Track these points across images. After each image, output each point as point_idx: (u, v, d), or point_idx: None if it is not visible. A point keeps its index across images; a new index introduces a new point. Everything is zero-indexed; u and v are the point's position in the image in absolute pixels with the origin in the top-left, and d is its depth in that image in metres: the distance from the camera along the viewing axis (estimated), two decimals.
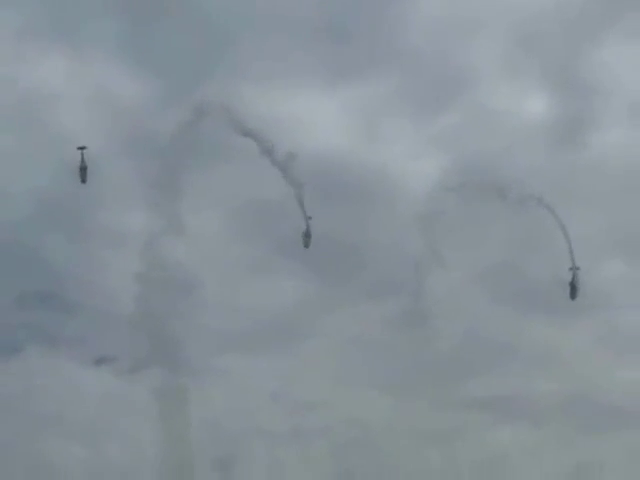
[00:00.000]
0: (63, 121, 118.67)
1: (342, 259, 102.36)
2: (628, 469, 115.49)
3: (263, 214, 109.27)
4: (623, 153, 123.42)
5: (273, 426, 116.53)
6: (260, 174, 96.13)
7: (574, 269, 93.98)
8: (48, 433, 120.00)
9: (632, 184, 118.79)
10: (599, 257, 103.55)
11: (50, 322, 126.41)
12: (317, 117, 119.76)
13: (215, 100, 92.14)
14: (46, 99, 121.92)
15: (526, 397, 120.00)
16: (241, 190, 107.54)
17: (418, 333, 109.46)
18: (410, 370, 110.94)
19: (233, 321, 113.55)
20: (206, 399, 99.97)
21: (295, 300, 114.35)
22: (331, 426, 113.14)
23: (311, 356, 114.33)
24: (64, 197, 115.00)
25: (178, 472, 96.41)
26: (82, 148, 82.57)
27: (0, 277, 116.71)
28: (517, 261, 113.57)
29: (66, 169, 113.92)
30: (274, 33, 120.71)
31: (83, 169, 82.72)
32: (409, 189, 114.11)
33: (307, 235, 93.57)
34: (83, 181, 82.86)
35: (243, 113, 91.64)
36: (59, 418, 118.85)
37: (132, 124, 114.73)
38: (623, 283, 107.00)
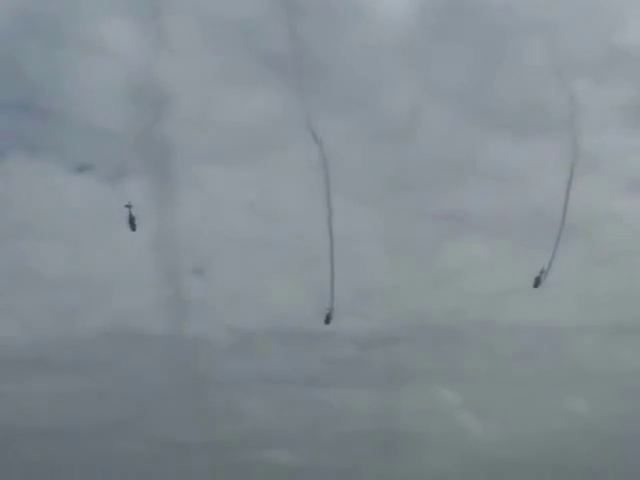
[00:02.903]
0: None
1: (318, 75, 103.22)
2: (579, 279, 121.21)
3: (243, 29, 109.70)
4: None
5: (248, 235, 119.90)
6: None
7: (544, 272, 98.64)
8: (30, 239, 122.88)
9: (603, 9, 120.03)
10: (566, 78, 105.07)
11: (30, 131, 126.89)
12: None
13: None
14: None
15: (486, 212, 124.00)
16: (222, 5, 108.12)
17: (388, 148, 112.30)
18: (380, 183, 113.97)
19: (210, 132, 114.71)
20: (184, 208, 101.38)
21: (272, 112, 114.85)
22: (302, 236, 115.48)
23: (287, 168, 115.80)
24: (44, 7, 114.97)
25: (159, 278, 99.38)
26: (129, 206, 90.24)
27: None
28: (488, 82, 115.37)
29: None
30: None
31: (132, 221, 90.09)
32: (386, 8, 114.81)
33: (328, 317, 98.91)
34: (133, 230, 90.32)
35: None
36: (41, 224, 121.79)
37: None
38: (589, 105, 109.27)
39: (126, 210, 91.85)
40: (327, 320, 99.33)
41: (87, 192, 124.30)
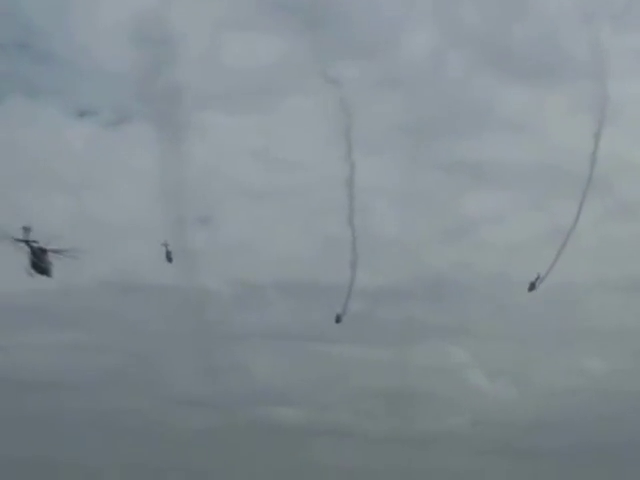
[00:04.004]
0: None
1: (331, 20, 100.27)
2: (596, 234, 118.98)
3: None
4: None
5: (253, 184, 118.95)
6: None
7: (540, 278, 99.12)
8: (30, 186, 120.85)
9: None
10: (585, 24, 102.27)
11: (30, 73, 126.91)
12: None
13: None
14: None
15: (501, 163, 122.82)
16: None
17: (404, 96, 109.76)
18: (391, 132, 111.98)
19: (217, 77, 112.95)
20: (189, 155, 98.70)
21: (276, 59, 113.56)
22: (311, 186, 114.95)
23: (293, 115, 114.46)
24: None
25: (163, 227, 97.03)
26: (166, 245, 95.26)
27: None
28: (500, 28, 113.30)
29: None
30: None
31: (168, 256, 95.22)
32: None
33: (339, 317, 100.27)
34: (169, 261, 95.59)
35: None
36: (41, 170, 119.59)
37: None
38: (612, 52, 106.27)
39: (163, 248, 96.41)
40: (337, 320, 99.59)
41: (89, 137, 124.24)
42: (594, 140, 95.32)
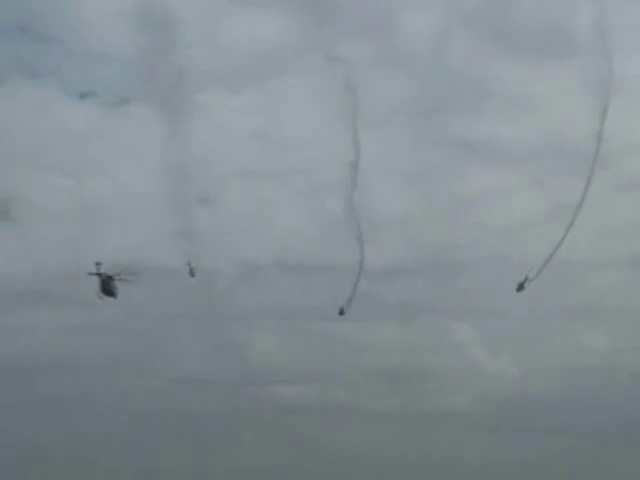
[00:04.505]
0: None
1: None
2: (598, 211, 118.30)
3: None
4: None
5: (255, 164, 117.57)
6: None
7: (528, 279, 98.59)
8: (30, 168, 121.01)
9: None
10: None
11: (31, 55, 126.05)
12: None
13: None
14: None
15: (503, 141, 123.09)
16: None
17: (401, 73, 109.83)
18: (392, 110, 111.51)
19: (218, 57, 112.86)
20: (189, 136, 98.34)
21: (278, 37, 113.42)
22: (313, 166, 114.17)
23: (294, 95, 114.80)
24: None
25: (164, 208, 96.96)
26: (189, 264, 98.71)
27: None
28: (503, 4, 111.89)
29: None
30: None
31: (192, 272, 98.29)
32: None
33: (342, 310, 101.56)
34: (192, 275, 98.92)
35: None
36: (42, 152, 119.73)
37: None
38: (615, 28, 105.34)
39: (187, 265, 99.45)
40: (341, 312, 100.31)
41: (90, 118, 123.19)
42: (598, 117, 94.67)
